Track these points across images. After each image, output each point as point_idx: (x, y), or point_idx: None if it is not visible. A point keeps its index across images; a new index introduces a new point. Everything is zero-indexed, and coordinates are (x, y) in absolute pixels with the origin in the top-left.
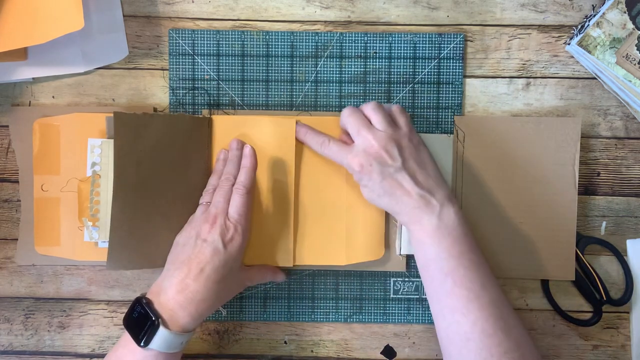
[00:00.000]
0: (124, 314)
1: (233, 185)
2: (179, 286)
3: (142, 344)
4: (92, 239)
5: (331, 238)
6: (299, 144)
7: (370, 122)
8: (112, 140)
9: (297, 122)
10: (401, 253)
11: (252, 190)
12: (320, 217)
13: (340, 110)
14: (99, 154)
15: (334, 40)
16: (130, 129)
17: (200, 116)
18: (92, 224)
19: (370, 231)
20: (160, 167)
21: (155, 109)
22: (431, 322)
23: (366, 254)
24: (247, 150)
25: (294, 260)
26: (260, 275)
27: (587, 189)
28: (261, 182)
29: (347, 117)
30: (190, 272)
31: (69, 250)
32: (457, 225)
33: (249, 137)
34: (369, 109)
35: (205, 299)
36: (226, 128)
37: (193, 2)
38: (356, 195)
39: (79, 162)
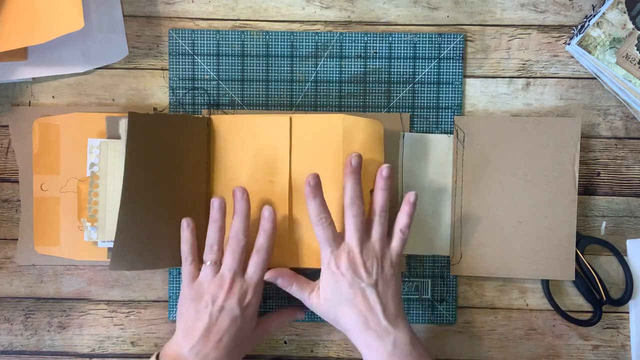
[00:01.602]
0: (123, 315)
1: (244, 244)
2: (199, 356)
3: None
4: (90, 239)
5: None
6: (295, 142)
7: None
8: (111, 141)
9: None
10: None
11: (271, 251)
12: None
13: (340, 110)
14: (97, 155)
15: (334, 40)
16: (142, 130)
17: (200, 116)
18: (91, 224)
19: None
20: (165, 168)
21: (155, 109)
22: (431, 322)
23: None
24: (266, 213)
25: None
26: (277, 322)
27: (587, 189)
28: (256, 182)
29: (317, 229)
30: (209, 342)
31: (68, 250)
32: (411, 350)
33: (247, 135)
34: (347, 214)
35: None
36: (225, 127)
37: (193, 2)
38: None
39: (78, 162)
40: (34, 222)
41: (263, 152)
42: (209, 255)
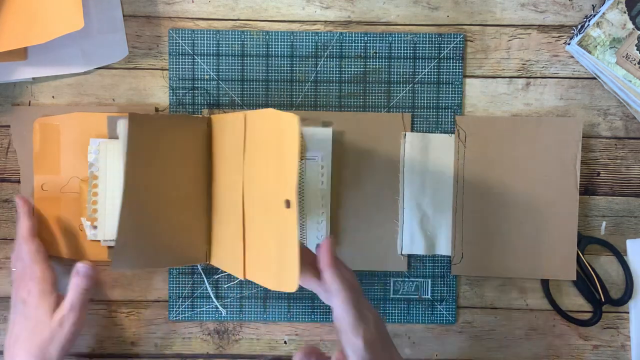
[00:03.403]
0: (123, 315)
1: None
2: (6, 354)
3: None
4: (94, 238)
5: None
6: (249, 138)
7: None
8: (109, 141)
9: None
10: (402, 253)
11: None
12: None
13: (340, 110)
14: (96, 155)
15: (334, 40)
16: (142, 130)
17: (200, 116)
18: (91, 224)
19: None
20: (165, 168)
21: (156, 109)
22: (431, 322)
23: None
24: (80, 269)
25: (244, 273)
26: (71, 293)
27: (587, 189)
28: (223, 182)
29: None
30: (9, 338)
31: (69, 250)
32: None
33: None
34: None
35: (25, 353)
36: (223, 127)
37: (193, 2)
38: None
39: (79, 162)
40: (36, 221)
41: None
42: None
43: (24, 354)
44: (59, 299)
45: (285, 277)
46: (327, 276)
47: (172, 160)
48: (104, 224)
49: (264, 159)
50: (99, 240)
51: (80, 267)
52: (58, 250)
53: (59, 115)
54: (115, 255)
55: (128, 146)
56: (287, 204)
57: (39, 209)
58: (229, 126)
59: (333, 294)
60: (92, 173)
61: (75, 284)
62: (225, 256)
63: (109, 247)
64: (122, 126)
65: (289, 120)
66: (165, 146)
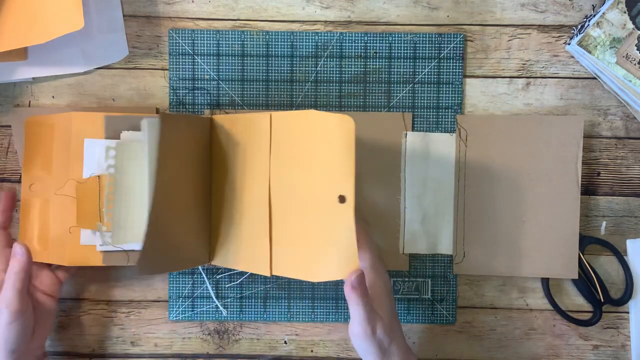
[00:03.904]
0: (123, 315)
1: None
2: None
3: None
4: (104, 245)
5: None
6: (273, 139)
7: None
8: (129, 141)
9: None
10: (404, 252)
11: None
12: (298, 220)
13: (340, 110)
14: (113, 156)
15: (334, 40)
16: (170, 130)
17: (203, 116)
18: (107, 229)
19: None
20: (179, 168)
21: (157, 109)
22: (431, 322)
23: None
24: (16, 249)
25: (270, 269)
26: (6, 284)
27: (587, 189)
28: (239, 182)
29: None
30: None
31: (57, 255)
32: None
33: (241, 134)
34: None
35: None
36: (239, 127)
37: (193, 2)
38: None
39: (73, 163)
40: (20, 224)
41: (247, 151)
42: None
43: None
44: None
45: (339, 268)
46: (348, 299)
47: (184, 160)
48: (123, 227)
49: (305, 159)
50: (95, 245)
51: (17, 247)
52: (44, 256)
53: (53, 114)
54: (142, 260)
55: (159, 147)
56: (342, 199)
57: (24, 209)
58: (247, 126)
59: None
60: (110, 175)
61: (12, 269)
62: (243, 255)
63: (105, 252)
64: (148, 125)
65: (340, 122)
66: (181, 146)
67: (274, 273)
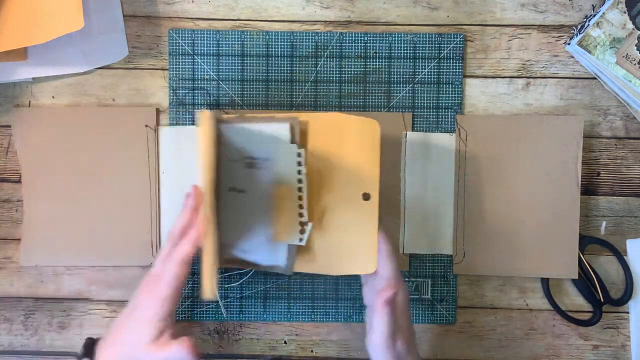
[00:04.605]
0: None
1: (167, 242)
2: (108, 334)
3: None
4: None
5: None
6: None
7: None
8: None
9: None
10: (404, 252)
11: (190, 259)
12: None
13: (340, 111)
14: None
15: (334, 40)
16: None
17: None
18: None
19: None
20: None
21: (157, 110)
22: (431, 322)
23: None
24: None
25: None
26: (172, 351)
27: (587, 189)
28: None
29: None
30: (116, 324)
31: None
32: None
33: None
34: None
35: (117, 352)
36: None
37: (193, 2)
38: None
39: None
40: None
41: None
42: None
43: (114, 348)
44: (163, 329)
45: (361, 262)
46: (379, 312)
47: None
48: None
49: (334, 159)
50: None
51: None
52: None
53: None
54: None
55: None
56: (366, 196)
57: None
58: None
59: (374, 325)
60: (300, 172)
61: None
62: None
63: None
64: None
65: (367, 125)
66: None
67: (298, 270)
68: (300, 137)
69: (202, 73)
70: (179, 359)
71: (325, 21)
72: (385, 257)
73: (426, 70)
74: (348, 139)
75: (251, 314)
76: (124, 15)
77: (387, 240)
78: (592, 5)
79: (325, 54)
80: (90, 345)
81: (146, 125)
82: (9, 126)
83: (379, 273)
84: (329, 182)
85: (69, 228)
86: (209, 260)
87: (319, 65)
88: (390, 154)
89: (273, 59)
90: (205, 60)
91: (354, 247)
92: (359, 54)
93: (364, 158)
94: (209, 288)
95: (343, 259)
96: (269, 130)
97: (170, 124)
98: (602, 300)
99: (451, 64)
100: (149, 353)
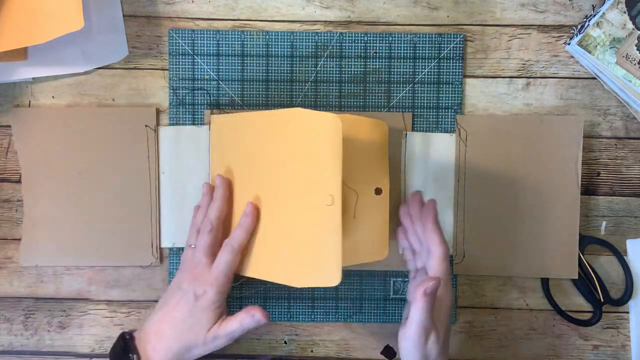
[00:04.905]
0: (123, 315)
1: (211, 231)
2: (154, 327)
3: None
4: None
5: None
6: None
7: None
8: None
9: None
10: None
11: (243, 248)
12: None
13: (340, 110)
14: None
15: (334, 40)
16: None
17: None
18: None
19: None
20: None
21: (157, 110)
22: None
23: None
24: (248, 208)
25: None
26: (235, 324)
27: (587, 189)
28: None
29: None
30: (165, 316)
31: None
32: None
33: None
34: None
35: (174, 340)
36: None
37: (193, 2)
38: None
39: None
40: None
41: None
42: (191, 239)
43: (168, 340)
44: (221, 314)
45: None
46: (429, 229)
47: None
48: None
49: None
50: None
51: (258, 314)
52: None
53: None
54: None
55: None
56: (378, 191)
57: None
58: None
59: (432, 247)
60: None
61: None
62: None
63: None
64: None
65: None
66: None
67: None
68: None
69: (202, 73)
70: (250, 325)
71: (325, 21)
72: (441, 259)
73: (426, 70)
74: (360, 139)
75: None
76: (124, 15)
77: (444, 243)
78: (592, 5)
79: (325, 54)
80: (129, 340)
81: (146, 125)
82: (9, 126)
83: (430, 273)
84: (345, 179)
85: (69, 228)
86: (336, 242)
87: (319, 65)
88: (390, 154)
89: (273, 59)
90: (205, 60)
91: (368, 236)
92: (359, 54)
93: (374, 156)
94: (338, 273)
95: (360, 248)
96: None
97: (170, 124)
98: (602, 300)
99: (451, 64)
100: (211, 337)
